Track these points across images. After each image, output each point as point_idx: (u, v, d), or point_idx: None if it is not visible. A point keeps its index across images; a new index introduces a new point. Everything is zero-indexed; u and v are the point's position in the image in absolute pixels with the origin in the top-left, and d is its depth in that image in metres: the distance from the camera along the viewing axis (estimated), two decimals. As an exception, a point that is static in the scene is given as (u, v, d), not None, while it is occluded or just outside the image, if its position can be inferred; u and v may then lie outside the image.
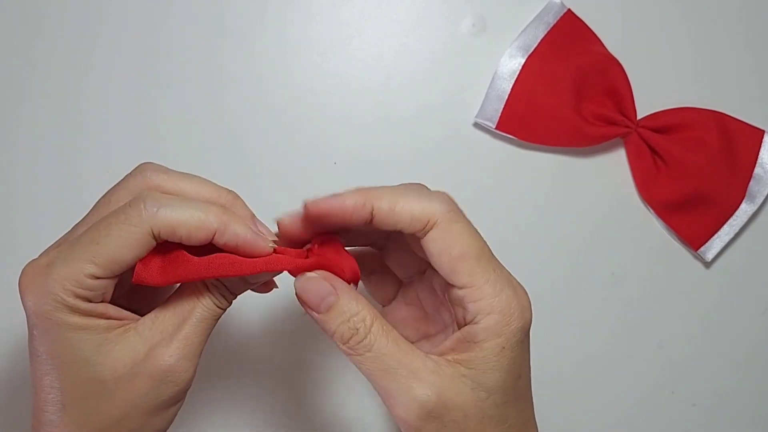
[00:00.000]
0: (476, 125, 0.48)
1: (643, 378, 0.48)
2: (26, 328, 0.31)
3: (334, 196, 0.31)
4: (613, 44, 0.47)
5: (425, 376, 0.30)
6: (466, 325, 0.31)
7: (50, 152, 0.47)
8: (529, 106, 0.46)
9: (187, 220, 0.30)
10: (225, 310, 0.33)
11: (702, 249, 0.47)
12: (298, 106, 0.48)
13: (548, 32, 0.47)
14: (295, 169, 0.47)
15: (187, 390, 0.32)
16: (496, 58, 0.47)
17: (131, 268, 0.31)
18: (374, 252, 0.37)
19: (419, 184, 0.33)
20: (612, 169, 0.48)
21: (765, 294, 0.48)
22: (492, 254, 0.32)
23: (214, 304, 0.32)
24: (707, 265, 0.48)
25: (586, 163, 0.48)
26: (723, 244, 0.47)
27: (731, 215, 0.47)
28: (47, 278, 0.30)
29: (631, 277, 0.48)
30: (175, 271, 0.31)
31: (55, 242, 0.33)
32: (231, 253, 0.31)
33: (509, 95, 0.46)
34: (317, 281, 0.32)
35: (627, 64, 0.47)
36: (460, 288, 0.31)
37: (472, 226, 0.32)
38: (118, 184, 0.33)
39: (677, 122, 0.47)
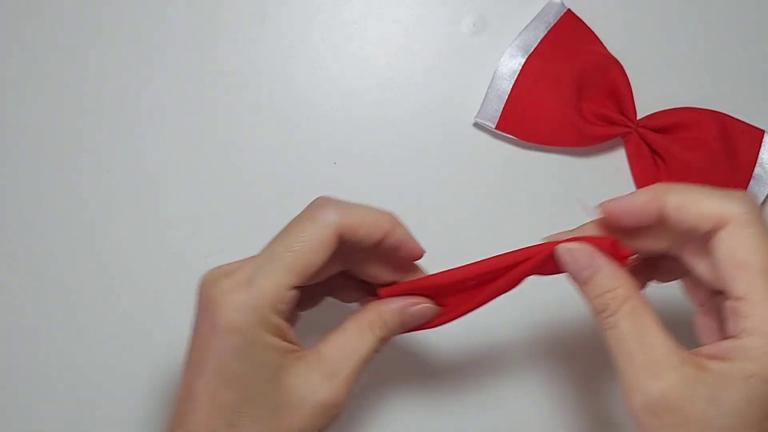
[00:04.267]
0: (476, 125, 0.48)
1: (643, 378, 0.48)
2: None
3: (623, 196, 0.32)
4: (613, 44, 0.47)
5: (661, 370, 0.29)
6: (727, 338, 0.30)
7: (47, 152, 0.47)
8: (530, 106, 0.46)
9: (365, 219, 0.33)
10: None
11: None
12: (298, 106, 0.48)
13: (548, 32, 0.47)
14: (295, 169, 0.47)
15: None
16: (496, 58, 0.47)
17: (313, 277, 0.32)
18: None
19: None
20: (612, 169, 0.48)
21: (765, 294, 0.48)
22: None
23: (375, 347, 0.34)
24: (707, 265, 0.48)
25: (586, 163, 0.48)
26: None
27: None
28: (250, 293, 0.30)
29: (631, 277, 0.48)
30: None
31: (241, 261, 0.33)
32: (390, 254, 0.34)
33: (509, 95, 0.46)
34: (578, 252, 0.32)
35: (627, 64, 0.47)
36: (733, 299, 0.29)
37: None
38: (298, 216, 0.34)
39: (677, 122, 0.46)
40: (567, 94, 0.46)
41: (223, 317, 0.30)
